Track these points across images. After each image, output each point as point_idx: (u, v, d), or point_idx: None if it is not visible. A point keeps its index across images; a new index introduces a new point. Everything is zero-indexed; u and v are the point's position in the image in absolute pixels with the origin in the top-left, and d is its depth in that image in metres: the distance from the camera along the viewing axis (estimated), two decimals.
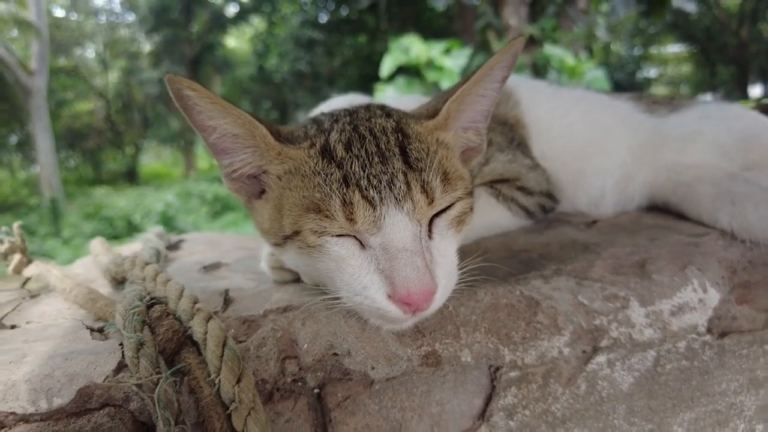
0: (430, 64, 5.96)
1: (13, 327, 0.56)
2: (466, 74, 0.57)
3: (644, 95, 0.95)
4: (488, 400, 0.55)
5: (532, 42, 8.21)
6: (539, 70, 8.03)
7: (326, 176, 0.50)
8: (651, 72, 24.37)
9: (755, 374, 0.73)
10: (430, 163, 0.51)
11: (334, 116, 0.57)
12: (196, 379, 0.45)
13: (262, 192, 0.57)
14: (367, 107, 0.59)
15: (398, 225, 0.48)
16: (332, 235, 0.50)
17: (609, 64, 20.88)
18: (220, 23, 22.90)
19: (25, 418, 0.42)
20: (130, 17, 23.93)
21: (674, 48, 22.72)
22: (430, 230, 0.52)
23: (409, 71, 6.27)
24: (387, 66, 5.96)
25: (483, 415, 0.55)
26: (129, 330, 0.47)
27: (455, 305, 0.55)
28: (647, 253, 0.67)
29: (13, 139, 22.01)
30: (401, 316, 0.49)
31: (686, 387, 0.67)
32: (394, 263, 0.47)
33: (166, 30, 22.22)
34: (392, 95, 5.19)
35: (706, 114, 0.89)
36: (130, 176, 22.62)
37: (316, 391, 0.51)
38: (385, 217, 0.48)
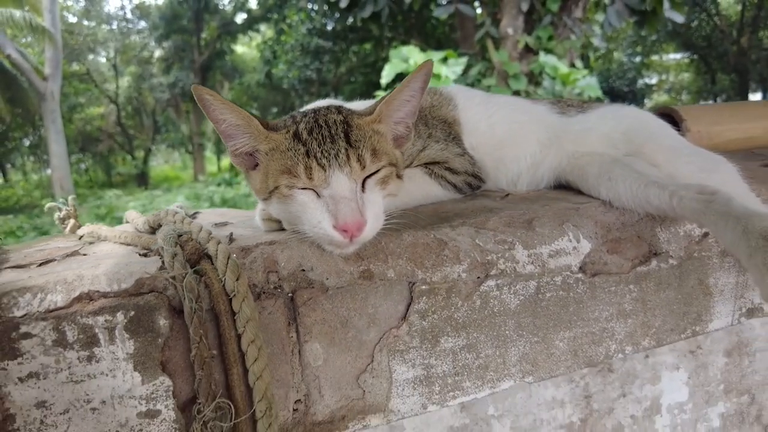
0: None
1: (84, 255, 0.81)
2: (396, 86, 0.81)
3: (561, 100, 1.20)
4: (408, 306, 0.79)
5: (529, 51, 8.46)
6: (535, 78, 8.27)
7: (295, 151, 0.75)
8: (652, 79, 24.52)
9: (623, 307, 0.97)
10: (364, 143, 0.76)
11: (304, 113, 0.82)
12: (209, 278, 0.70)
13: (255, 165, 0.83)
14: (328, 107, 0.83)
15: (340, 182, 0.73)
16: (298, 188, 0.74)
17: (610, 71, 21.07)
18: (229, 30, 23.27)
19: (104, 294, 0.67)
20: (142, 24, 24.36)
21: (675, 56, 22.84)
22: (363, 187, 0.76)
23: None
24: (387, 74, 6.24)
25: (405, 316, 0.79)
26: (168, 245, 0.72)
27: (386, 241, 0.79)
28: (535, 213, 0.90)
29: (27, 142, 22.51)
30: (342, 240, 0.72)
31: (564, 311, 0.90)
32: (338, 206, 0.71)
33: (177, 37, 22.64)
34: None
35: (604, 113, 1.13)
36: (141, 179, 23.03)
37: (289, 294, 0.76)
38: (332, 177, 0.73)
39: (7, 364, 0.62)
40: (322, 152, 0.73)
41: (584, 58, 9.87)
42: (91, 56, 23.33)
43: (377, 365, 0.78)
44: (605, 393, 1.18)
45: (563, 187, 1.09)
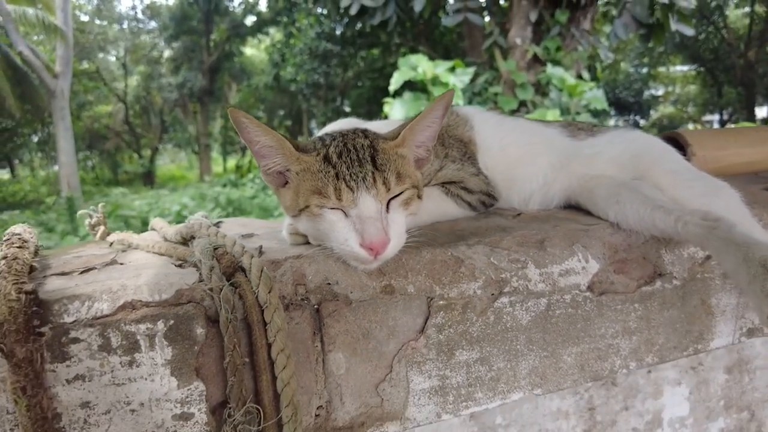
0: (436, 80, 6.29)
1: (122, 264, 0.86)
2: (418, 113, 0.86)
3: (572, 123, 1.24)
4: (426, 319, 0.83)
5: (537, 61, 8.52)
6: (542, 88, 8.32)
7: (326, 173, 0.79)
8: (658, 91, 24.53)
9: (628, 324, 1.01)
10: (389, 167, 0.81)
11: (333, 136, 0.86)
12: (243, 290, 0.75)
13: (285, 183, 0.87)
14: (354, 131, 0.88)
15: (367, 203, 0.77)
16: (328, 208, 0.79)
17: (616, 81, 21.11)
18: (238, 33, 23.38)
19: (146, 304, 0.71)
20: (152, 24, 24.53)
21: (682, 68, 22.85)
22: (387, 208, 0.80)
23: (416, 87, 6.60)
24: (395, 81, 6.30)
25: (422, 329, 0.84)
26: (206, 258, 0.76)
27: (406, 258, 0.84)
28: (547, 234, 0.95)
29: (35, 139, 22.67)
30: (367, 257, 0.77)
31: (572, 328, 0.95)
32: (365, 225, 0.76)
33: (186, 38, 22.78)
34: (397, 108, 5.57)
35: (612, 138, 1.18)
36: (147, 178, 23.16)
37: (315, 306, 0.80)
38: (359, 198, 0.78)
39: (57, 367, 0.66)
40: (350, 175, 0.78)
41: (591, 70, 9.89)
42: (101, 55, 23.49)
43: (395, 375, 0.83)
44: (608, 406, 1.22)
45: (573, 207, 1.13)
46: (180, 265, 0.82)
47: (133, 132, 24.71)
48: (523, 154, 1.13)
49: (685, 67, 22.85)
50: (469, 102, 8.46)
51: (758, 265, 0.74)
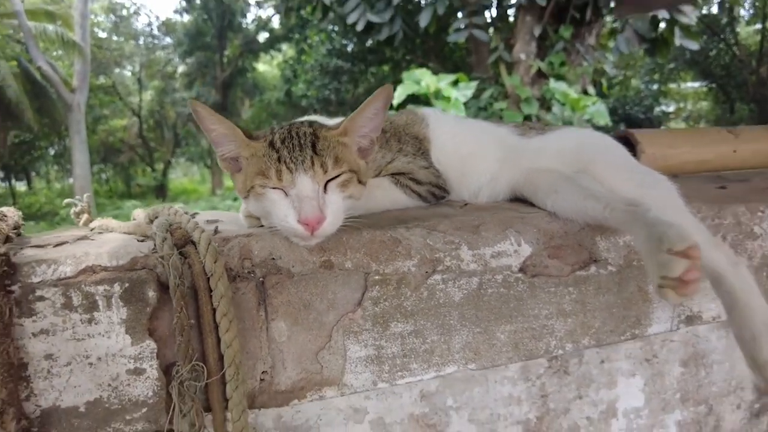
0: (439, 94, 6.41)
1: (93, 239, 0.96)
2: (359, 107, 0.96)
3: (525, 124, 1.33)
4: (363, 293, 0.91)
5: (542, 76, 8.62)
6: (547, 102, 8.40)
7: (269, 156, 0.89)
8: (669, 107, 24.44)
9: (563, 307, 1.08)
10: (328, 152, 0.89)
11: (282, 126, 0.96)
12: (191, 259, 0.83)
13: (240, 169, 0.97)
14: (301, 122, 0.97)
15: (304, 183, 0.86)
16: (270, 188, 0.88)
17: (626, 98, 21.11)
18: (251, 49, 23.82)
19: (105, 268, 0.80)
20: (167, 40, 25.08)
21: (693, 84, 22.78)
22: (325, 189, 0.89)
23: (420, 100, 6.72)
24: (398, 94, 6.44)
25: (360, 302, 0.92)
26: (160, 231, 0.86)
27: (347, 237, 0.92)
28: (483, 219, 1.02)
29: (52, 152, 23.21)
30: (305, 233, 0.85)
31: (505, 307, 1.02)
32: (302, 203, 0.85)
33: (200, 53, 23.27)
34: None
35: (560, 135, 1.26)
36: (160, 191, 23.54)
37: (260, 279, 0.89)
38: (297, 179, 0.86)
39: (24, 321, 0.76)
40: (291, 158, 0.87)
41: (597, 85, 9.97)
42: (117, 70, 24.05)
43: (334, 344, 0.91)
44: (561, 394, 1.28)
45: (519, 200, 1.21)
46: (142, 240, 0.91)
47: (146, 146, 25.15)
48: (474, 150, 1.22)
49: (697, 84, 22.79)
50: (475, 117, 8.57)
51: (655, 239, 0.82)
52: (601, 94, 10.51)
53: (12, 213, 0.94)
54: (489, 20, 9.16)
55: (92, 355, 0.79)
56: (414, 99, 6.85)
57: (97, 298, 0.78)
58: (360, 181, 0.94)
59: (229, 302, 0.82)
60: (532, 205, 1.17)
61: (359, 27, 8.38)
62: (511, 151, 1.21)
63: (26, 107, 17.04)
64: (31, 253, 0.82)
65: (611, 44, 9.47)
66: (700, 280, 0.78)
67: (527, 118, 8.29)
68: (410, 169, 1.12)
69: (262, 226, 0.99)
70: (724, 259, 1.04)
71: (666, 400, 1.42)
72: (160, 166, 25.36)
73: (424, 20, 8.46)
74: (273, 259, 0.88)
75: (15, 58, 16.35)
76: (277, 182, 0.87)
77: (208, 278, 0.82)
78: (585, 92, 8.98)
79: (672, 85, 22.82)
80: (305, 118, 1.12)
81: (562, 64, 8.32)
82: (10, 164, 21.54)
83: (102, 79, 22.61)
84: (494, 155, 1.21)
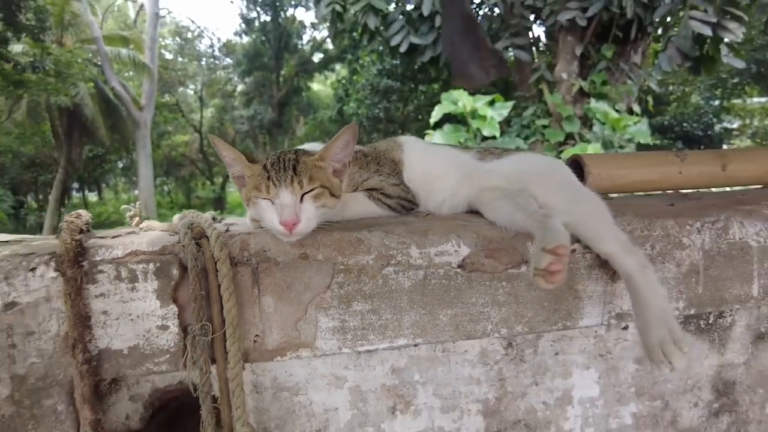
0: (475, 113, 6.66)
1: (138, 234, 1.31)
2: (333, 138, 1.26)
3: (488, 149, 1.59)
4: (331, 279, 1.21)
5: (584, 94, 8.69)
6: (589, 121, 8.46)
7: (262, 176, 1.20)
8: (733, 123, 23.39)
9: (497, 298, 1.33)
10: (305, 173, 1.19)
11: (274, 153, 1.28)
12: (204, 248, 1.16)
13: (244, 185, 1.30)
14: (289, 150, 1.29)
15: (285, 195, 1.16)
16: (261, 198, 1.19)
17: (684, 114, 20.46)
18: (306, 69, 24.77)
19: (144, 252, 1.14)
20: (227, 61, 26.46)
21: (760, 99, 21.72)
22: (302, 200, 1.19)
23: (456, 119, 7.00)
24: (435, 114, 6.74)
25: (329, 286, 1.21)
26: (184, 228, 1.19)
27: (321, 236, 1.22)
28: (431, 226, 1.29)
29: (120, 165, 24.95)
30: (285, 231, 1.15)
31: (446, 295, 1.27)
32: (282, 209, 1.15)
33: (258, 73, 24.44)
34: (437, 139, 5.98)
35: (512, 159, 1.51)
36: (218, 203, 24.78)
37: (255, 265, 1.20)
38: (280, 192, 1.17)
39: (89, 287, 1.10)
40: (276, 177, 1.19)
41: (642, 103, 9.88)
42: (181, 89, 25.60)
43: (309, 316, 1.21)
44: (518, 379, 1.51)
45: (475, 212, 1.48)
46: (173, 235, 1.25)
47: (206, 160, 26.50)
48: (437, 171, 1.50)
49: (764, 99, 21.77)
50: (518, 134, 8.73)
51: (538, 239, 1.07)
52: (647, 113, 10.40)
53: (84, 213, 1.30)
54: (531, 40, 9.33)
55: (133, 313, 1.12)
56: (451, 118, 7.14)
57: (137, 273, 1.12)
58: (333, 195, 1.25)
59: (230, 280, 1.14)
60: (482, 216, 1.44)
61: (402, 49, 8.77)
62: (468, 172, 1.48)
63: (100, 124, 18.51)
64: (95, 241, 1.17)
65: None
66: (563, 272, 1.03)
67: (569, 135, 8.38)
68: (381, 186, 1.41)
69: (261, 227, 1.31)
70: (634, 262, 1.26)
71: (621, 392, 1.59)
72: (218, 180, 26.68)
73: None
74: (264, 251, 1.20)
75: (92, 79, 17.84)
76: (266, 194, 1.19)
77: (216, 262, 1.15)
78: (630, 111, 8.97)
79: (736, 101, 21.91)
80: (310, 145, 1.44)
81: (604, 83, 8.38)
82: (84, 176, 23.33)
83: (167, 98, 24.17)
84: (454, 176, 1.48)
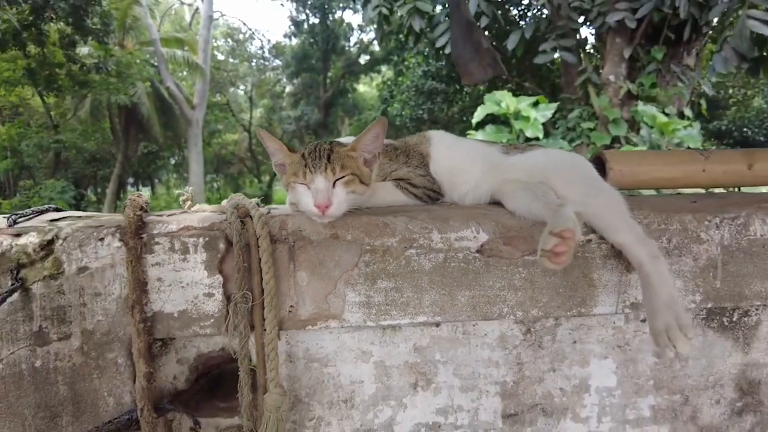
0: (518, 114, 6.67)
1: (189, 214, 1.47)
2: (363, 131, 1.38)
3: (512, 144, 1.67)
4: (359, 258, 1.33)
5: (632, 97, 8.51)
6: (637, 124, 8.28)
7: (300, 163, 1.32)
8: None
9: (513, 282, 1.41)
10: (337, 161, 1.30)
11: (312, 144, 1.41)
12: (248, 226, 1.30)
13: (284, 172, 1.43)
14: (325, 141, 1.42)
15: (319, 181, 1.28)
16: (299, 183, 1.32)
17: (744, 119, 19.56)
18: (353, 70, 25.11)
19: (195, 228, 1.29)
20: (277, 62, 27.12)
21: None
22: (334, 185, 1.32)
23: (499, 120, 7.02)
24: (477, 114, 6.78)
25: (356, 264, 1.33)
26: (231, 209, 1.33)
27: (351, 219, 1.33)
28: (453, 214, 1.38)
29: (172, 161, 26.02)
30: (318, 213, 1.27)
31: (465, 277, 1.37)
32: (317, 194, 1.27)
33: (306, 75, 24.96)
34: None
35: (534, 153, 1.58)
36: (265, 200, 25.33)
37: (292, 243, 1.33)
38: (315, 178, 1.29)
39: (147, 256, 1.27)
40: (312, 165, 1.32)
41: (695, 106, 9.57)
42: (231, 89, 26.45)
43: (338, 291, 1.34)
44: (536, 364, 1.58)
45: (498, 203, 1.57)
46: (220, 215, 1.40)
47: (254, 159, 27.25)
48: (463, 164, 1.60)
49: None
50: (563, 137, 8.64)
51: (548, 224, 1.16)
52: (700, 116, 10.06)
53: (143, 195, 1.48)
54: (577, 41, 9.20)
55: (183, 281, 1.28)
56: (494, 119, 7.16)
57: (189, 245, 1.27)
58: (362, 182, 1.37)
59: (270, 255, 1.28)
60: (503, 207, 1.53)
61: (447, 50, 8.83)
62: (492, 165, 1.58)
63: (155, 122, 19.39)
64: (153, 218, 1.33)
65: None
66: (568, 255, 1.11)
67: (615, 139, 8.24)
68: (409, 176, 1.53)
69: (299, 211, 1.45)
70: (646, 253, 1.32)
71: (639, 384, 1.63)
72: (266, 178, 27.42)
73: (511, 43, 8.73)
74: (300, 230, 1.33)
75: (149, 79, 18.74)
76: (303, 180, 1.33)
77: (258, 239, 1.29)
78: (681, 115, 8.71)
79: None
80: (336, 139, 1.58)
81: (653, 85, 8.18)
82: (139, 171, 24.45)
83: (218, 97, 25.04)
84: (478, 168, 1.58)
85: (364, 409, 1.50)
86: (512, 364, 1.59)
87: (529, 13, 10.65)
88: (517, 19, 11.14)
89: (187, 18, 25.20)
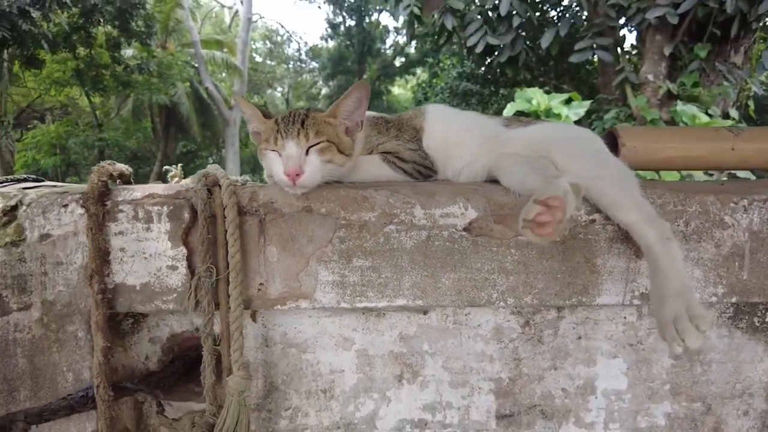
0: (549, 112, 6.44)
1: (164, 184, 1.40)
2: (342, 95, 1.28)
3: (516, 118, 1.54)
4: (333, 233, 1.23)
5: (672, 97, 8.14)
6: (675, 125, 7.91)
7: (273, 129, 1.25)
8: None
9: (504, 265, 1.28)
10: (312, 127, 1.22)
11: (288, 110, 1.33)
12: (214, 196, 1.22)
13: (260, 139, 1.35)
14: (301, 108, 1.33)
15: (291, 147, 1.19)
16: (271, 150, 1.24)
17: None
18: (388, 73, 25.13)
19: (159, 195, 1.22)
20: (313, 64, 27.42)
21: None
22: (307, 152, 1.23)
23: (529, 117, 6.81)
24: (507, 112, 6.58)
25: (331, 240, 1.23)
26: (198, 176, 1.26)
27: (326, 191, 1.23)
28: (439, 188, 1.25)
29: (210, 160, 26.62)
30: (288, 183, 1.18)
31: (450, 258, 1.24)
32: (287, 161, 1.18)
33: (342, 77, 25.13)
34: None
35: (536, 127, 1.43)
36: None
37: (263, 215, 1.25)
38: (286, 144, 1.21)
39: (110, 224, 1.20)
40: (284, 130, 1.23)
41: (743, 107, 9.08)
42: (269, 90, 26.87)
43: (310, 268, 1.24)
44: (535, 361, 1.45)
45: (496, 182, 1.44)
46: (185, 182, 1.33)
47: None
48: (459, 136, 1.48)
49: None
50: None
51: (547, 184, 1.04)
52: (748, 118, 9.54)
53: (123, 166, 1.41)
54: (615, 39, 8.88)
55: (147, 252, 1.21)
56: (520, 115, 6.96)
57: (153, 214, 1.20)
58: (341, 152, 1.27)
59: (236, 227, 1.19)
60: (498, 184, 1.40)
61: (478, 49, 8.66)
62: (489, 137, 1.45)
63: (194, 122, 19.87)
64: (122, 186, 1.27)
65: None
66: (554, 225, 0.98)
67: None
68: (397, 149, 1.42)
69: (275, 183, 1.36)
70: (656, 234, 1.18)
71: (653, 389, 1.46)
72: None
73: (545, 41, 8.51)
74: (272, 202, 1.24)
75: (188, 80, 19.22)
76: (274, 146, 1.24)
77: (224, 209, 1.21)
78: (726, 115, 8.28)
79: None
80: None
81: (695, 84, 7.80)
82: None
83: (255, 98, 25.46)
84: (475, 141, 1.46)
85: (344, 401, 1.40)
86: (508, 360, 1.46)
87: (567, 14, 10.35)
88: (556, 21, 10.84)
89: (227, 20, 25.76)
